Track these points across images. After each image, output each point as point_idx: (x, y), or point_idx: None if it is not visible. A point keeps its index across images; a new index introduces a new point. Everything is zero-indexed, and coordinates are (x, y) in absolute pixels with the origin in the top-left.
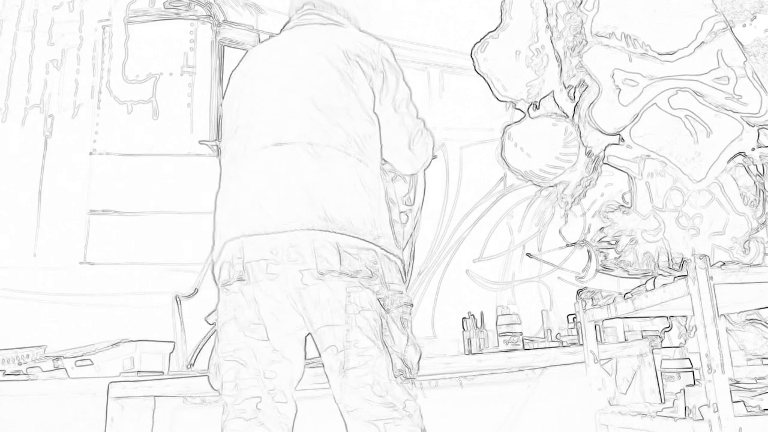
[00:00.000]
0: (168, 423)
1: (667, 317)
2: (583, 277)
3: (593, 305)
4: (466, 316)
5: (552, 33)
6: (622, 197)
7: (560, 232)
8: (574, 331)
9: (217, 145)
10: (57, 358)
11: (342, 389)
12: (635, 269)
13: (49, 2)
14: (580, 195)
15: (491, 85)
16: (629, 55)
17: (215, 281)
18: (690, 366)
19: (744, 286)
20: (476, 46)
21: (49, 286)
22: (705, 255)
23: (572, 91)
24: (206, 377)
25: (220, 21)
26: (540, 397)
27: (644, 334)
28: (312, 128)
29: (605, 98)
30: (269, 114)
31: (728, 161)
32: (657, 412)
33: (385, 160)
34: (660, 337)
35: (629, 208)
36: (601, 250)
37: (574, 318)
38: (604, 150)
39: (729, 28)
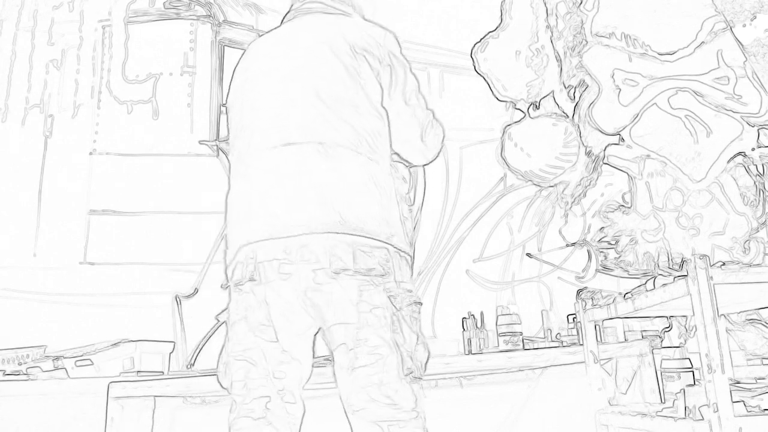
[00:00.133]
0: (168, 423)
1: (667, 317)
2: (583, 277)
3: (593, 305)
4: (466, 316)
5: (552, 33)
6: (622, 197)
7: (560, 232)
8: (574, 331)
9: (217, 145)
10: (57, 358)
11: (349, 388)
12: (635, 269)
13: (49, 2)
14: (580, 195)
15: (491, 85)
16: (629, 55)
17: (227, 280)
18: (690, 366)
19: (744, 286)
20: (476, 46)
21: (49, 286)
22: (705, 255)
23: (572, 91)
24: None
25: (220, 21)
26: (540, 397)
27: (644, 334)
28: (320, 125)
29: (605, 98)
30: (271, 109)
31: (728, 161)
32: (657, 412)
33: (397, 153)
34: (660, 337)
35: (629, 208)
36: (601, 250)
37: (574, 318)
38: (604, 150)
39: (729, 28)
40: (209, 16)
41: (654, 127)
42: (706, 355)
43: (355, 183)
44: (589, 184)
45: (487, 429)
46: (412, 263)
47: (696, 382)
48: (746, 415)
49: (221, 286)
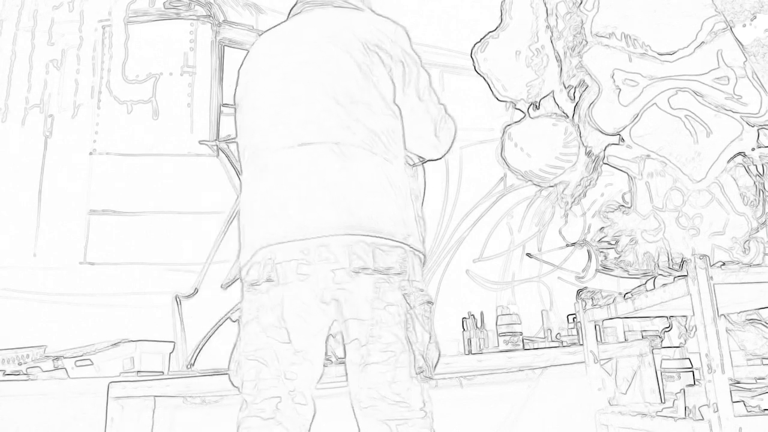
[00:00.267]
0: (168, 423)
1: (667, 317)
2: (583, 277)
3: (593, 305)
4: (466, 316)
5: (552, 33)
6: (622, 197)
7: (560, 232)
8: (574, 331)
9: (217, 145)
10: (57, 358)
11: (360, 384)
12: (635, 269)
13: (49, 2)
14: (580, 195)
15: (491, 85)
16: (629, 55)
17: (241, 280)
18: (690, 366)
19: (744, 286)
20: (476, 46)
21: (49, 286)
22: (705, 255)
23: (572, 91)
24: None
25: (220, 21)
26: (540, 397)
27: (644, 334)
28: (335, 125)
29: (605, 98)
30: (285, 107)
31: (728, 161)
32: (657, 412)
33: (408, 150)
34: (660, 337)
35: (629, 208)
36: (601, 250)
37: (574, 318)
38: (604, 150)
39: (729, 28)
40: (209, 16)
41: (654, 127)
42: (706, 355)
43: (371, 184)
44: (589, 184)
45: (487, 429)
46: (425, 262)
47: (696, 382)
48: (746, 415)
49: (221, 286)
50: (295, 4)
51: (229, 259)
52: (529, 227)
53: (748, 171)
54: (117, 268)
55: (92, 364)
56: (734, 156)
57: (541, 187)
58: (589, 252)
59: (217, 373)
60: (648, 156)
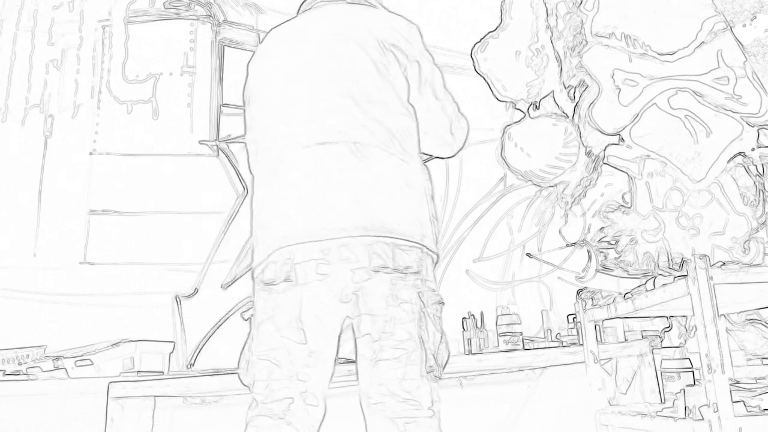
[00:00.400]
0: (168, 423)
1: (667, 317)
2: (583, 277)
3: (593, 305)
4: (466, 316)
5: (552, 33)
6: (622, 197)
7: (560, 232)
8: (574, 331)
9: (217, 145)
10: (57, 358)
11: (370, 380)
12: (635, 269)
13: (49, 2)
14: (580, 195)
15: (491, 85)
16: (629, 55)
17: (252, 279)
18: (690, 366)
19: (744, 286)
20: (476, 46)
21: (49, 286)
22: (705, 255)
23: (572, 91)
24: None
25: (220, 21)
26: (540, 397)
27: (644, 334)
28: (353, 125)
29: (605, 98)
30: (300, 106)
31: (728, 161)
32: (657, 412)
33: (422, 150)
34: (660, 337)
35: (629, 208)
36: (601, 250)
37: (574, 318)
38: (604, 150)
39: (729, 28)
40: (209, 16)
41: (654, 127)
42: (706, 355)
43: (390, 185)
44: (589, 184)
45: (487, 429)
46: (437, 263)
47: (696, 382)
48: (746, 415)
49: (221, 286)
50: (305, 1)
51: (229, 259)
52: (529, 227)
53: (748, 171)
54: (117, 268)
55: (92, 364)
56: (734, 156)
57: (541, 187)
58: (589, 252)
59: (217, 373)
60: (648, 156)
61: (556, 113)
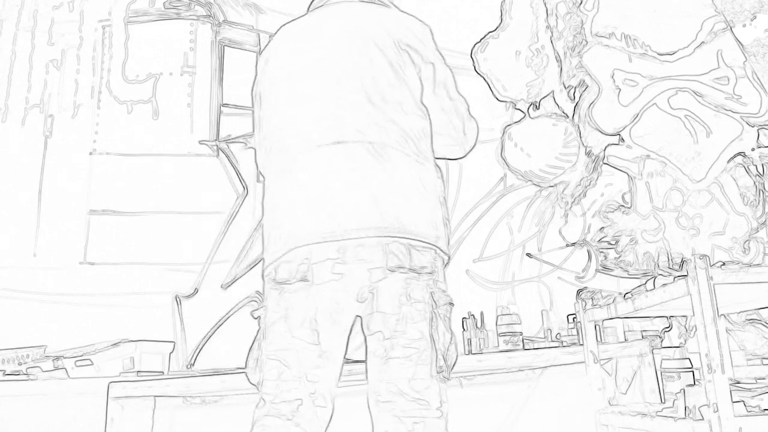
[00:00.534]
0: (168, 423)
1: (667, 317)
2: (583, 277)
3: (593, 305)
4: (466, 316)
5: (552, 33)
6: (622, 197)
7: (560, 232)
8: (574, 331)
9: (217, 145)
10: (57, 358)
11: (380, 377)
12: (635, 269)
13: (49, 2)
14: (580, 195)
15: (491, 85)
16: (629, 55)
17: (263, 278)
18: (690, 366)
19: (744, 286)
20: (476, 46)
21: (49, 286)
22: (705, 255)
23: (572, 91)
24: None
25: (220, 21)
26: (540, 397)
27: (644, 334)
28: (369, 124)
29: (605, 98)
30: (313, 104)
31: (728, 161)
32: (657, 412)
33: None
34: (660, 337)
35: (629, 208)
36: (601, 250)
37: (574, 318)
38: (604, 150)
39: (729, 28)
40: (209, 16)
41: (654, 127)
42: (706, 355)
43: (406, 186)
44: (589, 184)
45: (487, 429)
46: (447, 264)
47: (696, 382)
48: (746, 415)
49: (221, 286)
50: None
51: (229, 259)
52: (529, 227)
53: (748, 171)
54: (117, 268)
55: (92, 364)
56: (734, 156)
57: (541, 187)
58: (589, 252)
59: (217, 373)
60: (648, 156)
61: (556, 113)
